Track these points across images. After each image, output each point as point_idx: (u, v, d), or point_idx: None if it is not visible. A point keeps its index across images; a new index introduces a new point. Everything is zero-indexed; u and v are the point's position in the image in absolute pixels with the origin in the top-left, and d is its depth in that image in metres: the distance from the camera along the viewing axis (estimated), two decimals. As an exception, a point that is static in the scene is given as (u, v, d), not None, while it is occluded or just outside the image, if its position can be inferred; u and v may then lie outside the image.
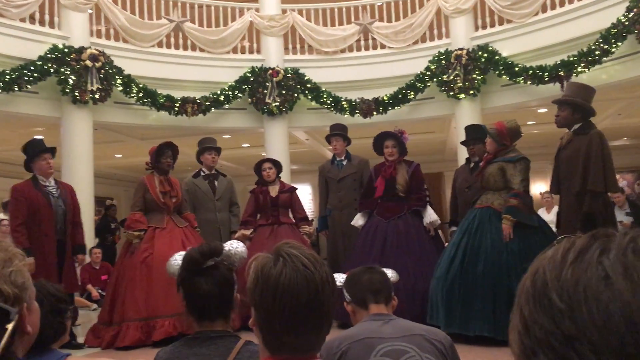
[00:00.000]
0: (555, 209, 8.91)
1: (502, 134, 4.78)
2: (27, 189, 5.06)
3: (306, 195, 16.45)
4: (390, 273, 2.39)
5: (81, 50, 8.07)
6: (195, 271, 1.71)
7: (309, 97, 9.43)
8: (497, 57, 8.73)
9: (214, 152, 6.35)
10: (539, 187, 13.97)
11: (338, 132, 6.50)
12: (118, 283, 5.27)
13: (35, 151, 5.14)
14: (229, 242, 1.88)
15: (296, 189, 6.36)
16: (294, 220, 6.10)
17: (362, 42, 10.01)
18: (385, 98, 9.22)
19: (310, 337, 1.23)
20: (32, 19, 8.12)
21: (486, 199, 4.82)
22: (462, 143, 6.13)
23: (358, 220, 5.72)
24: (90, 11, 8.63)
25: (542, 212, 8.63)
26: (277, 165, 6.15)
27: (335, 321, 5.05)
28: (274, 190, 6.03)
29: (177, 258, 2.27)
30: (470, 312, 4.48)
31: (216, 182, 6.31)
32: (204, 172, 6.34)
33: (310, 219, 14.34)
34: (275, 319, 1.19)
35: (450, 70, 8.90)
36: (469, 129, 5.94)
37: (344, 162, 6.44)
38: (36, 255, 4.88)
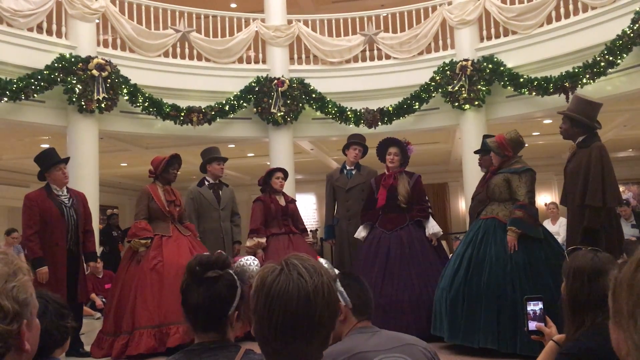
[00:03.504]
0: (561, 220, 8.90)
1: (502, 145, 4.77)
2: (40, 198, 5.08)
3: (310, 205, 16.45)
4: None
5: (88, 59, 8.12)
6: (193, 280, 1.72)
7: (314, 107, 9.45)
8: (502, 68, 8.74)
9: (222, 162, 6.38)
10: (544, 198, 13.95)
11: (359, 142, 6.48)
12: (124, 291, 5.21)
13: (51, 162, 5.18)
14: (246, 258, 1.88)
15: (296, 200, 6.40)
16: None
17: (367, 53, 10.05)
18: (390, 108, 9.24)
19: (299, 346, 1.24)
20: (39, 28, 8.19)
21: (491, 210, 4.80)
22: (475, 152, 6.15)
23: (360, 232, 5.71)
24: (97, 21, 8.69)
25: (547, 224, 8.60)
26: (286, 175, 6.20)
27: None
28: (281, 200, 6.05)
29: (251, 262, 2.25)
30: (474, 323, 4.44)
31: (220, 192, 6.31)
32: (208, 181, 6.34)
33: (314, 228, 14.30)
34: (265, 324, 1.23)
35: (455, 81, 8.92)
36: (483, 139, 5.86)
37: (353, 172, 6.43)
38: (48, 264, 4.92)
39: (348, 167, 6.46)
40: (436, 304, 4.78)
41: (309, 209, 16.17)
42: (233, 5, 12.12)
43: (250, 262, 1.86)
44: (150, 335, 4.93)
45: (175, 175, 5.67)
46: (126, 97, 8.48)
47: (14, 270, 1.09)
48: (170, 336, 4.90)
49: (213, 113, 9.02)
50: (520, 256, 4.47)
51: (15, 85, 7.44)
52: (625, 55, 7.50)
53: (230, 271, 1.78)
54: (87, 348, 5.29)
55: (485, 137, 5.88)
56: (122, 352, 4.94)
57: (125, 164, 13.60)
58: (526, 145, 5.03)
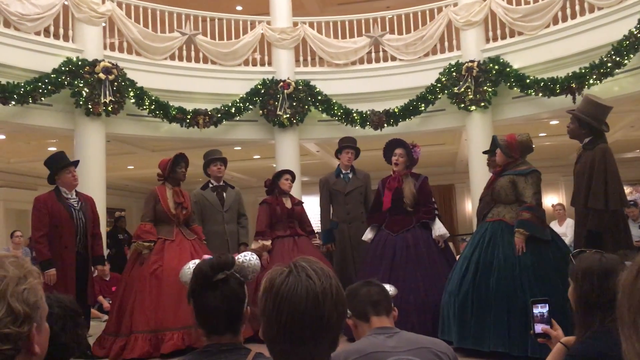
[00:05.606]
0: (568, 221, 8.86)
1: (511, 146, 4.74)
2: (49, 200, 5.12)
3: (316, 207, 16.41)
4: (388, 287, 2.38)
5: (95, 63, 8.17)
6: (205, 285, 1.69)
7: (320, 109, 9.46)
8: (508, 69, 8.71)
9: (219, 163, 6.35)
10: (550, 200, 13.90)
11: (351, 145, 6.52)
12: (126, 293, 5.26)
13: (61, 165, 5.22)
14: (242, 254, 1.87)
15: (303, 202, 6.39)
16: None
17: (373, 55, 10.04)
18: (396, 110, 9.23)
19: (308, 348, 1.24)
20: (46, 32, 8.24)
21: (497, 212, 4.78)
22: (484, 152, 6.10)
23: (367, 234, 5.71)
24: (103, 24, 8.73)
25: (554, 225, 8.56)
26: (294, 178, 6.21)
27: (343, 336, 5.03)
28: (287, 202, 6.05)
29: (191, 266, 2.27)
30: (483, 327, 4.41)
31: (224, 194, 6.31)
32: (212, 183, 6.36)
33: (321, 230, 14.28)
34: (274, 325, 1.24)
35: (461, 83, 8.90)
36: (494, 138, 5.82)
37: (350, 175, 6.45)
38: (56, 266, 4.96)
39: (344, 171, 6.49)
40: (444, 308, 4.75)
41: (315, 211, 16.14)
42: (239, 8, 12.16)
43: (248, 257, 1.85)
44: (145, 340, 4.97)
45: (184, 174, 5.69)
46: (133, 100, 8.52)
47: (25, 273, 1.10)
48: (165, 342, 4.93)
49: (219, 115, 9.04)
50: (528, 258, 4.45)
51: (22, 89, 7.48)
52: (632, 56, 7.47)
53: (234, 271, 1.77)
54: (94, 350, 5.33)
55: (495, 137, 5.84)
56: (119, 354, 4.99)
57: (132, 167, 13.64)
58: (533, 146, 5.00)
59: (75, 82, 8.01)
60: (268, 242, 5.78)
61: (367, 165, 8.23)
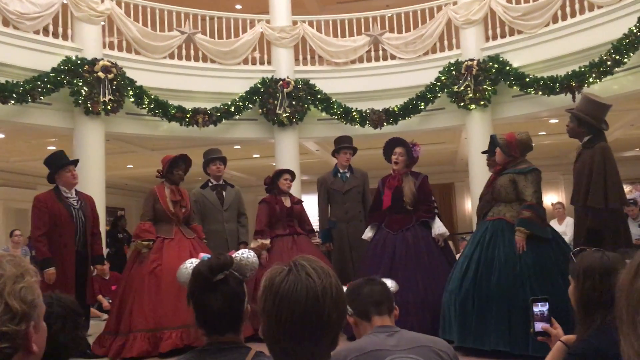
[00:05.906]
0: (567, 219, 8.86)
1: (511, 145, 4.74)
2: (49, 199, 5.14)
3: (316, 205, 16.40)
4: (389, 283, 2.37)
5: (94, 62, 8.16)
6: (205, 286, 1.67)
7: (320, 107, 9.46)
8: (507, 68, 8.71)
9: (218, 162, 6.36)
10: (550, 198, 13.89)
11: (350, 145, 6.54)
12: (125, 292, 5.28)
13: (60, 164, 5.22)
14: (239, 252, 1.85)
15: (303, 201, 6.40)
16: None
17: (373, 53, 10.04)
18: (395, 109, 9.23)
19: (308, 346, 1.24)
20: (45, 31, 8.23)
21: (498, 211, 4.77)
22: (483, 152, 6.09)
23: (367, 233, 5.71)
24: (102, 23, 8.72)
25: (554, 223, 8.56)
26: (293, 177, 6.21)
27: (343, 334, 5.03)
28: (286, 201, 6.06)
29: (188, 266, 2.25)
30: (485, 326, 4.41)
31: (224, 193, 6.32)
32: (211, 182, 6.37)
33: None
34: (274, 324, 1.24)
35: (460, 81, 8.89)
36: (492, 138, 5.82)
37: (348, 175, 6.47)
38: (56, 265, 4.97)
39: (342, 170, 6.51)
40: (445, 307, 4.74)
41: (315, 209, 16.13)
42: (238, 7, 12.14)
43: (246, 255, 1.84)
44: (144, 339, 4.99)
45: (181, 177, 5.69)
46: (132, 99, 8.51)
47: (22, 272, 1.10)
48: (164, 341, 4.95)
49: (219, 114, 9.03)
50: (529, 257, 4.44)
51: (21, 88, 7.47)
52: (631, 54, 7.46)
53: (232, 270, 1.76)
54: (95, 350, 5.33)
55: (493, 136, 5.83)
56: (119, 353, 5.00)
57: (131, 166, 13.64)
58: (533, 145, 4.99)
59: (75, 81, 8.00)
60: (267, 241, 5.79)
61: (367, 164, 8.23)
